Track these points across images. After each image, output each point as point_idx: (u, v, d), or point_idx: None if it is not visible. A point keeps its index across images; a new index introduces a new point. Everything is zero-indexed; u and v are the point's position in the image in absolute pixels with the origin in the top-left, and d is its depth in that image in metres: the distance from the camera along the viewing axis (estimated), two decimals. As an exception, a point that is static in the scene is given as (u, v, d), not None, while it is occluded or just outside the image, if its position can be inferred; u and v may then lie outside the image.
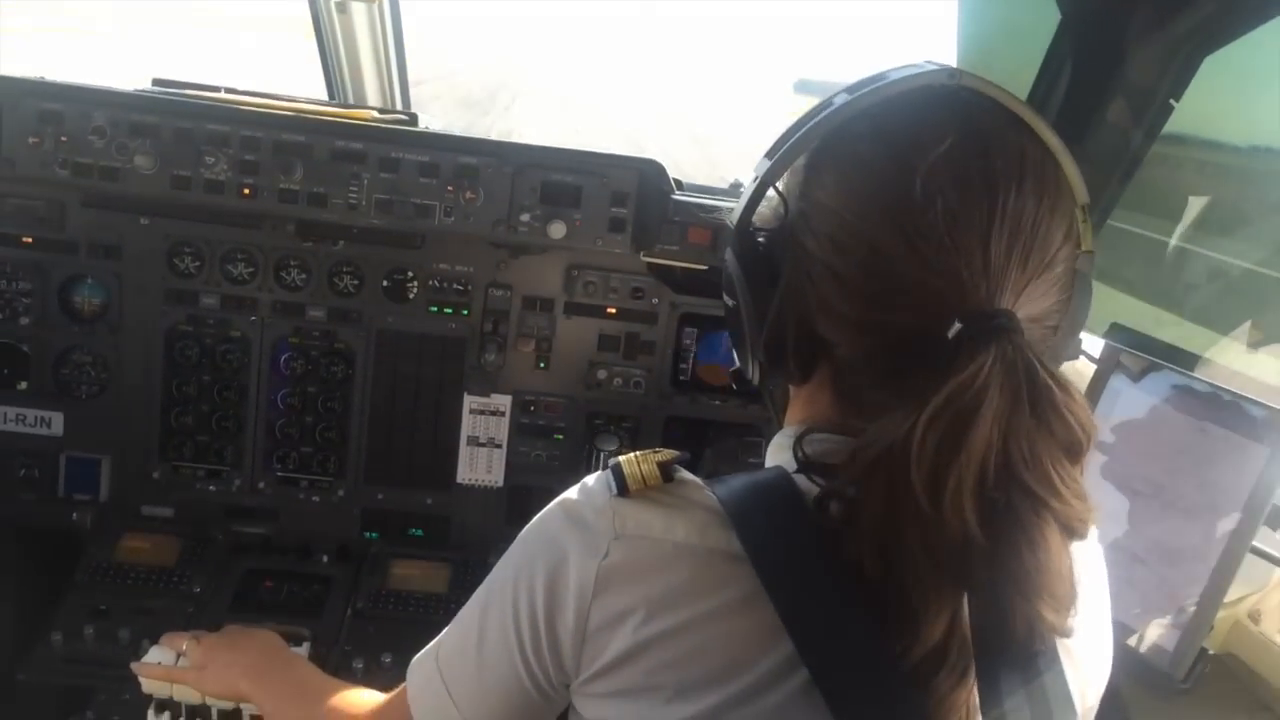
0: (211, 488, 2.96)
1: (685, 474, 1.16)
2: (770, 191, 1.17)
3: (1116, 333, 2.22)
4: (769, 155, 1.17)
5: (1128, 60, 1.94)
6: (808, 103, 1.20)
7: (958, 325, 1.00)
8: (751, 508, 1.09)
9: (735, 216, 1.19)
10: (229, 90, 2.85)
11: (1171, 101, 1.99)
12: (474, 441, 2.99)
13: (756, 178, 1.17)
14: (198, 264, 2.84)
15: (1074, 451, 1.01)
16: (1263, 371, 1.99)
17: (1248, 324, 2.08)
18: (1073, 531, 1.00)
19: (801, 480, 1.10)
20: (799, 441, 1.13)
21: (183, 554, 2.84)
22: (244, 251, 2.85)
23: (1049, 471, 0.97)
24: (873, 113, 1.11)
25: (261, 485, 2.98)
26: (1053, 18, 2.09)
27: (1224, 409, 2.03)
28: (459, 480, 3.01)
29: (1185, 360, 2.14)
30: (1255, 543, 1.98)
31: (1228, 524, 1.98)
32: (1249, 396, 1.97)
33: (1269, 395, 1.94)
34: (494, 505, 3.04)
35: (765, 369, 1.21)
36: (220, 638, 2.02)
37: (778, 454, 1.21)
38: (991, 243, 1.03)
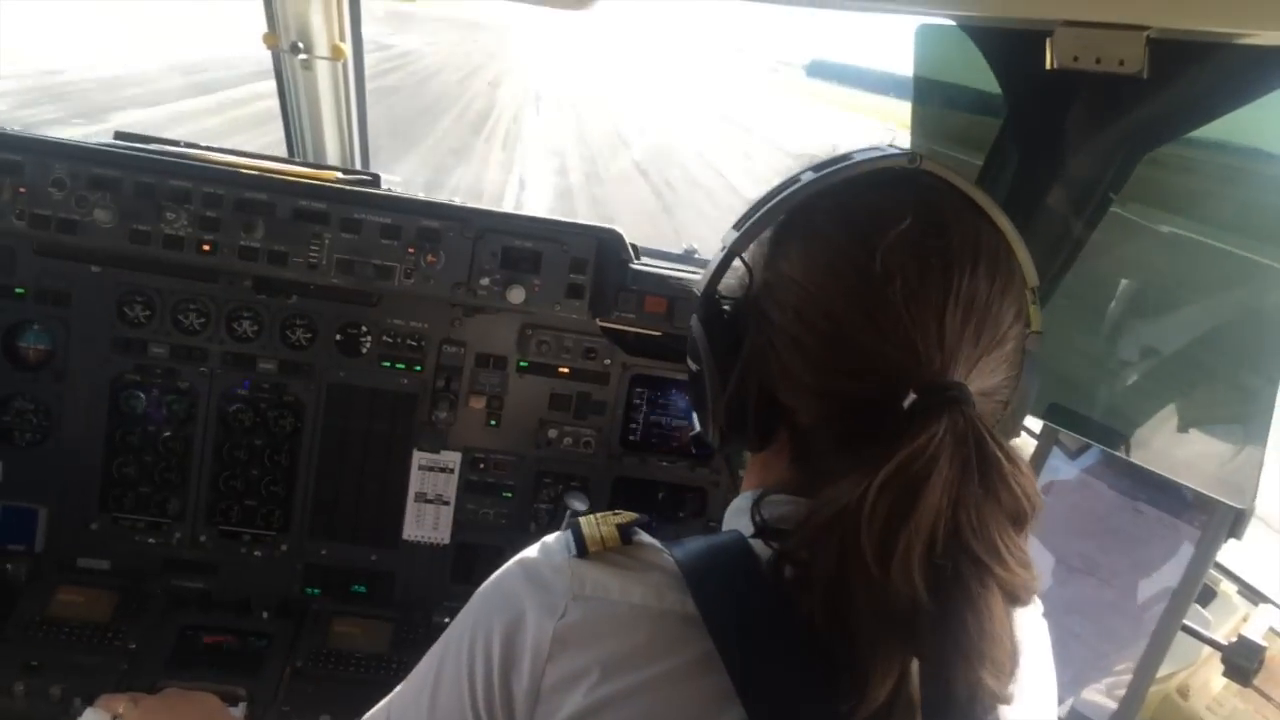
0: (151, 540, 2.91)
1: (644, 536, 1.17)
2: (737, 261, 1.21)
3: (1055, 413, 2.30)
4: (737, 226, 1.22)
5: (1070, 155, 2.02)
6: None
7: (913, 396, 1.04)
8: (708, 571, 1.11)
9: (702, 284, 1.23)
10: (191, 146, 2.85)
11: (1111, 195, 2.08)
12: (422, 498, 2.99)
13: (724, 247, 1.21)
14: (148, 313, 2.82)
15: (1019, 521, 1.04)
16: (1189, 454, 2.06)
17: (1177, 406, 2.17)
18: (1016, 599, 1.04)
19: (758, 544, 1.12)
20: (756, 504, 1.15)
21: (119, 609, 2.78)
22: (196, 302, 2.83)
23: (995, 540, 1.01)
24: (837, 191, 1.17)
25: (203, 539, 2.93)
26: (1001, 110, 2.18)
27: (1156, 489, 2.09)
28: (405, 537, 2.99)
29: (1117, 442, 2.21)
30: (1185, 621, 2.04)
31: (1159, 602, 2.04)
32: (1177, 479, 2.04)
33: (1195, 479, 2.01)
34: (440, 563, 3.03)
35: (725, 433, 1.24)
36: (158, 700, 1.98)
37: (736, 518, 1.24)
38: (947, 318, 1.07)
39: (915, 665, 1.02)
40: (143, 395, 2.86)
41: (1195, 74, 1.70)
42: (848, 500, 1.00)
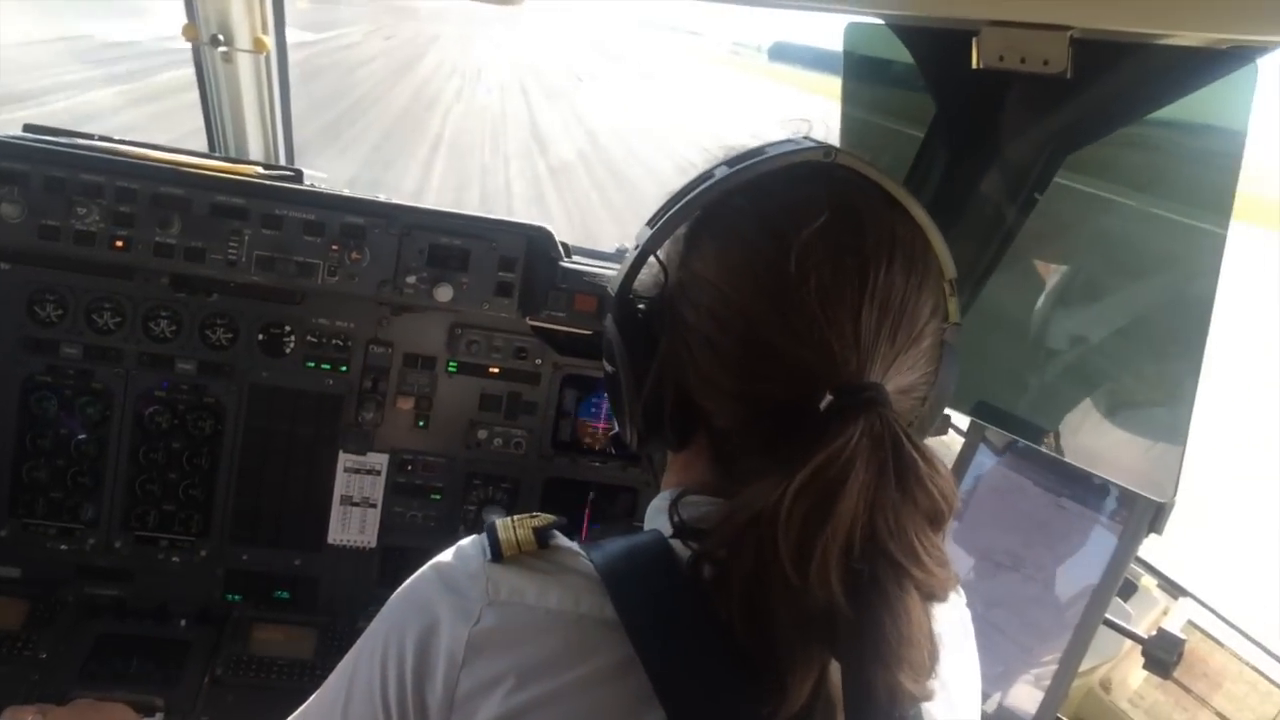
0: (64, 547, 2.81)
1: (561, 540, 1.15)
2: (651, 260, 1.19)
3: (982, 410, 2.32)
4: (650, 224, 1.20)
5: (997, 154, 2.06)
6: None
7: (829, 397, 1.03)
8: (626, 573, 1.09)
9: (616, 284, 1.21)
10: (105, 139, 2.76)
11: (1036, 195, 2.11)
12: (347, 501, 2.93)
13: (638, 245, 1.19)
14: (60, 312, 2.72)
15: (937, 521, 1.04)
16: (1111, 448, 2.10)
17: (1099, 399, 2.20)
18: (933, 598, 1.04)
19: (678, 544, 1.11)
20: (674, 505, 1.13)
21: (30, 617, 2.68)
22: (111, 301, 2.74)
23: (913, 541, 1.00)
24: (751, 187, 1.15)
25: (118, 544, 2.84)
26: (929, 108, 2.21)
27: (1079, 484, 2.13)
28: (330, 540, 2.93)
29: (1041, 437, 2.24)
30: (1106, 614, 2.07)
31: (1082, 597, 2.08)
32: (1100, 474, 2.07)
33: (1117, 473, 2.04)
34: (366, 567, 2.97)
35: (643, 435, 1.22)
36: (68, 711, 1.91)
37: (655, 518, 1.22)
38: (862, 317, 1.06)
39: (834, 666, 1.01)
40: (55, 397, 2.76)
41: (1118, 74, 1.73)
42: (764, 504, 0.99)
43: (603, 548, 1.13)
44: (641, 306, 1.20)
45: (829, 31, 2.52)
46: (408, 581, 1.19)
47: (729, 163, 1.17)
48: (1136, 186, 2.13)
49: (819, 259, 1.06)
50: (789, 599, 0.97)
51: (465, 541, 1.18)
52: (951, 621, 1.23)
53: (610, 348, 1.22)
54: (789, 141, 1.19)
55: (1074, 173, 2.11)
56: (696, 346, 1.13)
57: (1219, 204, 1.77)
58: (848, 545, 0.98)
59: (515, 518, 1.15)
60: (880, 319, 1.07)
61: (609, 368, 1.24)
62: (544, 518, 1.15)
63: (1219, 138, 1.77)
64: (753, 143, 1.20)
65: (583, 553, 1.13)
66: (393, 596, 1.20)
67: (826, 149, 1.16)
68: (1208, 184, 1.82)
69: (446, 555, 1.18)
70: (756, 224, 1.12)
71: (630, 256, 1.20)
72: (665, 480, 1.30)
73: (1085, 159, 2.09)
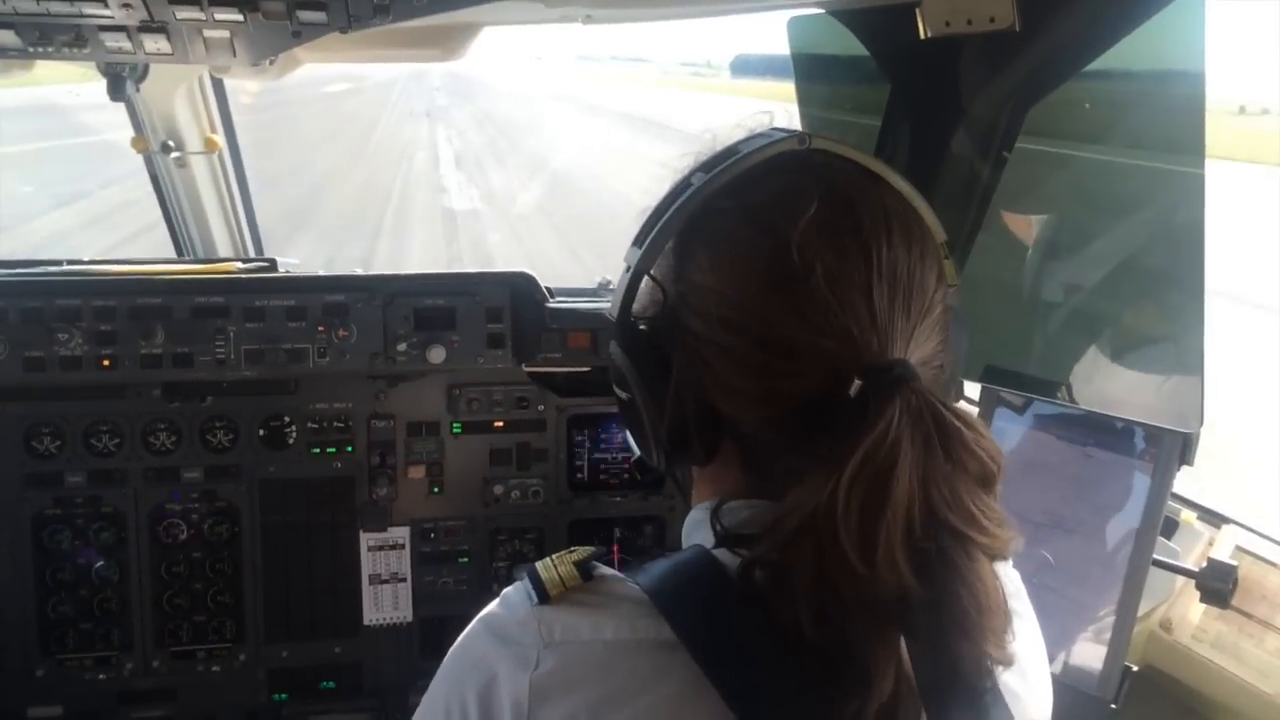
0: (102, 676, 2.77)
1: (604, 569, 1.13)
2: (646, 278, 1.17)
3: (991, 374, 2.31)
4: (637, 243, 1.17)
5: (960, 119, 2.05)
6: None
7: (858, 382, 1.01)
8: (678, 592, 1.07)
9: (615, 309, 1.19)
10: (72, 262, 2.75)
11: (1005, 153, 2.10)
12: (376, 579, 2.90)
13: (629, 267, 1.17)
14: (58, 443, 2.70)
15: (988, 483, 1.02)
16: (1128, 388, 2.08)
17: (1107, 341, 2.19)
18: (999, 558, 1.02)
19: (723, 554, 1.08)
20: (715, 514, 1.11)
21: None
22: (107, 423, 2.72)
23: (970, 508, 0.99)
24: (734, 187, 1.13)
25: (156, 664, 2.80)
26: (883, 93, 2.20)
27: (1102, 432, 2.11)
28: (366, 622, 2.90)
29: (1055, 391, 2.23)
30: (1154, 555, 2.05)
31: (1126, 541, 2.05)
32: (1127, 417, 2.05)
33: (1138, 412, 2.03)
34: (407, 642, 2.93)
35: (669, 454, 1.19)
36: None
37: (695, 531, 1.20)
38: (874, 297, 1.05)
39: (904, 647, 0.99)
40: (67, 528, 2.73)
41: (1066, 18, 1.73)
42: (817, 501, 0.97)
43: (647, 571, 1.11)
44: (644, 327, 1.17)
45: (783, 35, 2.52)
46: (458, 641, 1.16)
47: (704, 168, 1.15)
48: (1108, 139, 2.12)
49: (820, 246, 1.05)
50: (859, 590, 0.95)
51: (509, 589, 1.16)
52: (1009, 586, 1.21)
53: (621, 374, 1.19)
54: (760, 136, 1.17)
55: (1045, 136, 2.11)
56: (712, 356, 1.10)
57: (1191, 136, 1.76)
58: (909, 525, 0.96)
59: (554, 556, 1.13)
60: (891, 295, 1.06)
61: (623, 394, 1.22)
62: (583, 551, 1.14)
63: (1179, 75, 1.77)
64: (720, 145, 1.18)
65: (628, 579, 1.11)
66: (446, 658, 1.17)
67: (801, 136, 1.15)
68: (1176, 117, 1.81)
69: (493, 606, 1.15)
70: (748, 222, 1.11)
71: (623, 280, 1.18)
72: (696, 495, 1.27)
73: (1053, 121, 2.08)
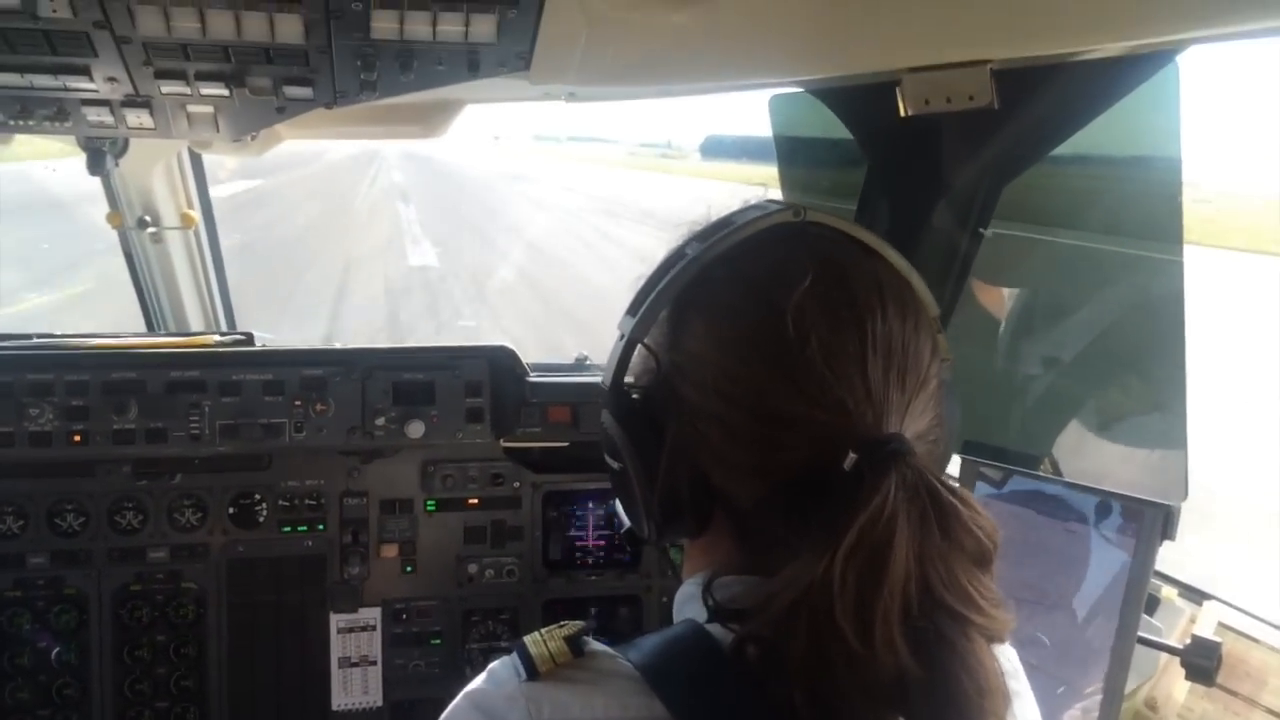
0: None
1: (595, 644, 1.11)
2: (639, 347, 1.17)
3: (970, 448, 2.30)
4: (631, 311, 1.17)
5: (937, 196, 2.08)
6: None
7: (853, 456, 1.00)
8: (670, 668, 1.04)
9: (608, 378, 1.18)
10: (43, 336, 2.72)
11: (981, 230, 2.13)
12: (346, 662, 2.82)
13: (623, 336, 1.17)
14: (21, 523, 2.63)
15: (984, 562, 1.01)
16: (1112, 461, 2.09)
17: (1090, 414, 2.20)
18: (996, 640, 1.01)
19: (716, 630, 1.06)
20: (707, 589, 1.09)
21: None
22: (73, 501, 2.66)
23: (967, 588, 0.98)
24: (729, 257, 1.13)
25: None
26: (862, 164, 2.24)
27: (1082, 507, 2.10)
28: (335, 708, 2.81)
29: (1036, 464, 2.22)
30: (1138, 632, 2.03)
31: (1110, 618, 2.04)
32: (1108, 490, 2.05)
33: (1122, 484, 2.03)
34: None
35: (660, 525, 1.18)
36: None
37: (687, 606, 1.17)
38: (869, 369, 1.05)
39: None
40: (27, 611, 2.64)
41: (1044, 96, 1.77)
42: (811, 577, 0.95)
43: (639, 646, 1.09)
44: (637, 396, 1.17)
45: (761, 118, 2.57)
46: (442, 717, 1.13)
47: (699, 238, 1.16)
48: (1086, 219, 2.17)
49: (814, 317, 1.05)
50: (854, 670, 0.94)
51: (496, 664, 1.13)
52: (1005, 660, 1.19)
53: (613, 443, 1.18)
54: (755, 207, 1.18)
55: (1023, 222, 2.15)
56: (705, 425, 1.10)
57: (1167, 210, 1.80)
58: (905, 604, 0.95)
59: (544, 630, 1.11)
60: (886, 367, 1.06)
61: (614, 464, 1.20)
62: (573, 625, 1.11)
63: (1157, 159, 1.81)
64: (715, 217, 1.19)
65: (619, 655, 1.09)
66: None
67: (796, 209, 1.16)
68: (1154, 190, 1.85)
69: (479, 681, 1.12)
70: (743, 293, 1.11)
71: (617, 349, 1.18)
72: (688, 568, 1.25)
73: (1033, 206, 2.12)
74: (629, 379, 1.18)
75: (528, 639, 1.10)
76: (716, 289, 1.13)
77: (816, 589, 0.95)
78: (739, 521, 1.14)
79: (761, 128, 2.62)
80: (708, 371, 1.10)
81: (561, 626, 1.11)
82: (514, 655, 1.10)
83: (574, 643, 1.09)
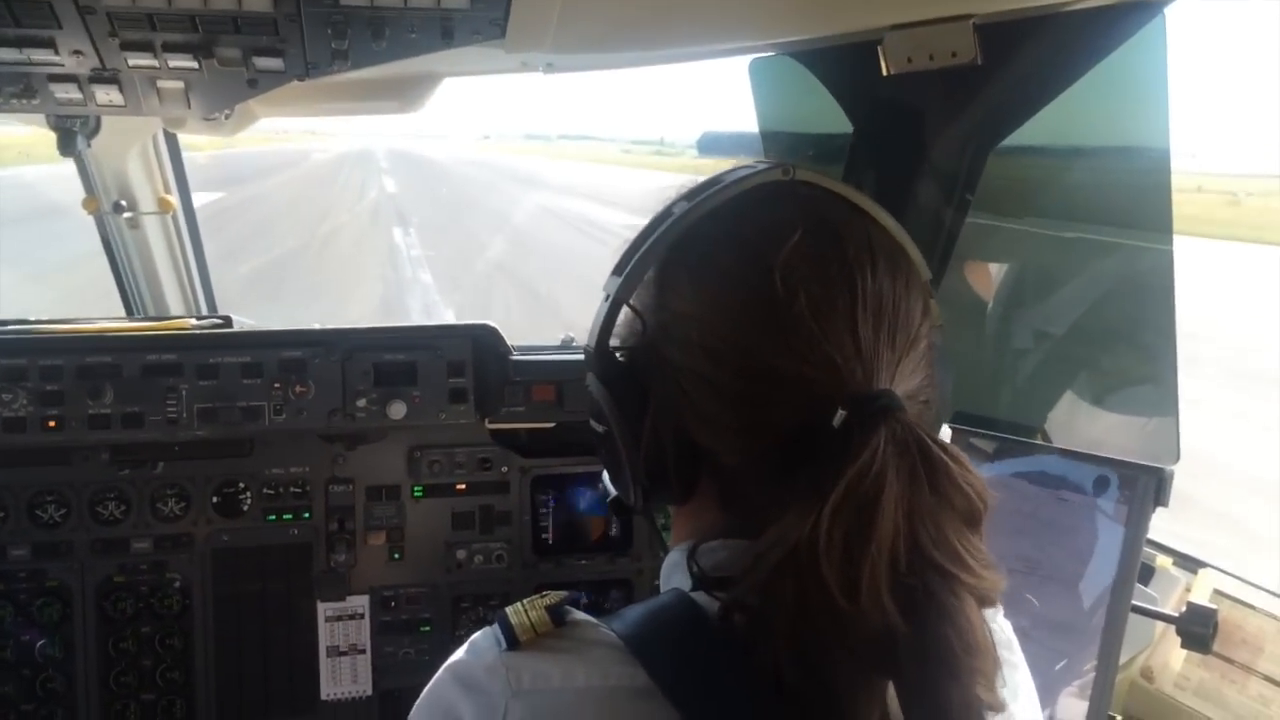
0: None
1: (578, 614, 1.09)
2: (624, 309, 1.14)
3: (961, 419, 2.28)
4: (617, 272, 1.15)
5: (923, 158, 2.05)
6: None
7: (842, 412, 0.98)
8: (654, 636, 1.02)
9: (593, 339, 1.16)
10: (18, 322, 2.68)
11: (968, 195, 2.10)
12: (334, 651, 2.79)
13: (608, 296, 1.14)
14: (1, 514, 2.59)
15: (974, 521, 0.99)
16: (1106, 427, 2.07)
17: (1082, 382, 2.18)
18: (986, 602, 0.99)
19: (702, 598, 1.04)
20: (692, 555, 1.07)
21: None
22: (53, 492, 2.62)
23: (956, 546, 0.95)
24: (718, 215, 1.11)
25: None
26: (846, 129, 2.20)
27: (1074, 475, 2.08)
28: (324, 697, 2.78)
29: (1030, 434, 2.20)
30: (1133, 601, 2.01)
31: (1104, 588, 2.01)
32: (1099, 455, 2.03)
33: (1116, 449, 2.00)
34: (366, 717, 2.82)
35: (647, 491, 1.15)
36: None
37: (673, 574, 1.15)
38: (859, 326, 1.02)
39: (891, 690, 0.96)
40: (9, 604, 2.61)
41: (1029, 51, 1.74)
42: (798, 535, 0.93)
43: (623, 616, 1.07)
44: (622, 358, 1.15)
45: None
46: (424, 691, 1.12)
47: (686, 197, 1.14)
48: (1073, 184, 2.14)
49: (804, 274, 1.03)
50: (841, 630, 0.92)
51: (477, 635, 1.11)
52: (998, 630, 1.17)
53: (598, 406, 1.16)
54: (744, 166, 1.16)
55: (1007, 216, 2.13)
56: (691, 385, 1.08)
57: (1157, 180, 1.77)
58: (893, 561, 0.93)
59: (525, 601, 1.09)
60: (876, 325, 1.04)
61: (599, 428, 1.18)
62: (555, 595, 1.09)
63: (1144, 118, 1.79)
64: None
65: (602, 624, 1.07)
66: (412, 710, 1.12)
67: (785, 167, 1.14)
68: (1142, 160, 1.83)
69: (459, 653, 1.10)
70: (731, 250, 1.09)
71: (602, 309, 1.15)
72: (674, 536, 1.23)
73: (1017, 196, 2.10)
74: (614, 341, 1.16)
75: (509, 609, 1.08)
76: (704, 247, 1.11)
77: (803, 546, 0.93)
78: (725, 484, 1.12)
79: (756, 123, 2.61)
80: (694, 330, 1.08)
81: (543, 596, 1.09)
82: (495, 626, 1.08)
83: (555, 612, 1.07)
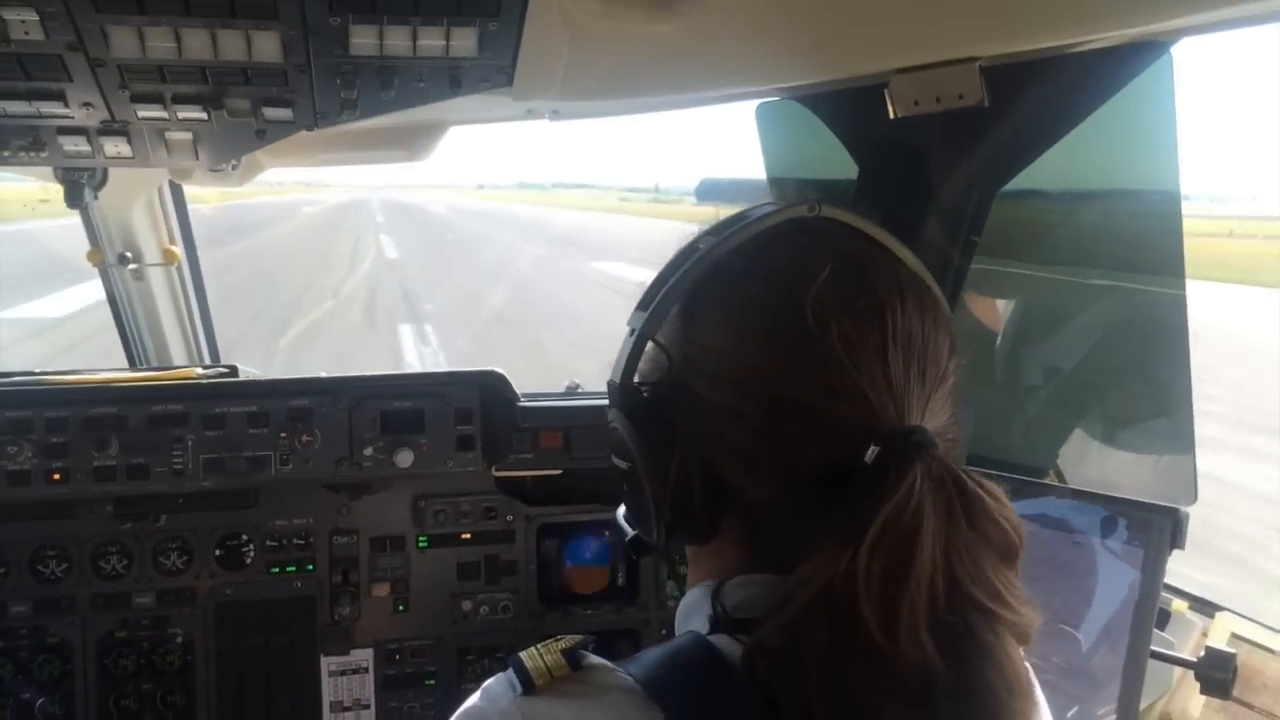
0: None
1: (593, 658, 1.07)
2: (649, 344, 1.14)
3: (974, 461, 2.26)
4: (642, 307, 1.14)
5: (928, 200, 2.04)
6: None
7: (875, 448, 0.98)
8: (673, 680, 1.00)
9: (617, 374, 1.15)
10: (24, 374, 2.67)
11: (973, 237, 2.10)
12: (338, 707, 2.75)
13: (633, 331, 1.13)
14: (2, 570, 2.57)
15: (1010, 556, 0.98)
16: (1119, 466, 2.05)
17: (1095, 420, 2.16)
18: (1024, 640, 0.98)
19: (721, 640, 1.03)
20: (717, 594, 1.06)
21: None
22: (55, 546, 2.59)
23: (994, 582, 0.95)
24: (744, 250, 1.11)
25: None
26: (852, 172, 2.21)
27: (1087, 518, 2.06)
28: None
29: (1042, 474, 2.18)
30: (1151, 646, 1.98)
31: (1121, 631, 1.99)
32: (1113, 496, 2.01)
33: (1131, 489, 1.99)
34: None
35: (670, 528, 1.13)
36: None
37: (691, 617, 1.14)
38: (890, 362, 1.02)
39: None
40: (9, 662, 2.58)
41: (1035, 92, 1.74)
42: (833, 572, 0.92)
43: (639, 660, 1.05)
44: (647, 393, 1.14)
45: (754, 159, 2.54)
46: None
47: (712, 233, 1.14)
48: (1082, 223, 2.15)
49: (834, 308, 1.03)
50: (876, 669, 0.90)
51: (492, 680, 1.09)
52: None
53: (622, 442, 1.15)
54: (769, 203, 1.17)
55: (1015, 260, 2.13)
56: (720, 420, 1.07)
57: (1168, 214, 1.77)
58: (932, 597, 0.92)
59: (541, 645, 1.08)
60: (907, 360, 1.04)
61: (622, 464, 1.17)
62: (571, 639, 1.08)
63: (1153, 156, 1.80)
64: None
65: (619, 668, 1.05)
66: None
67: (810, 204, 1.14)
68: (1152, 190, 1.83)
69: (473, 699, 1.09)
70: (760, 284, 1.09)
71: (627, 344, 1.14)
72: (693, 576, 1.22)
73: (1025, 239, 2.10)
74: (637, 378, 1.15)
75: (523, 653, 1.07)
76: (731, 281, 1.11)
77: (840, 582, 0.91)
78: (752, 522, 1.11)
79: (756, 168, 2.61)
80: (723, 364, 1.07)
81: (559, 640, 1.08)
82: (510, 670, 1.06)
83: (571, 655, 1.05)
